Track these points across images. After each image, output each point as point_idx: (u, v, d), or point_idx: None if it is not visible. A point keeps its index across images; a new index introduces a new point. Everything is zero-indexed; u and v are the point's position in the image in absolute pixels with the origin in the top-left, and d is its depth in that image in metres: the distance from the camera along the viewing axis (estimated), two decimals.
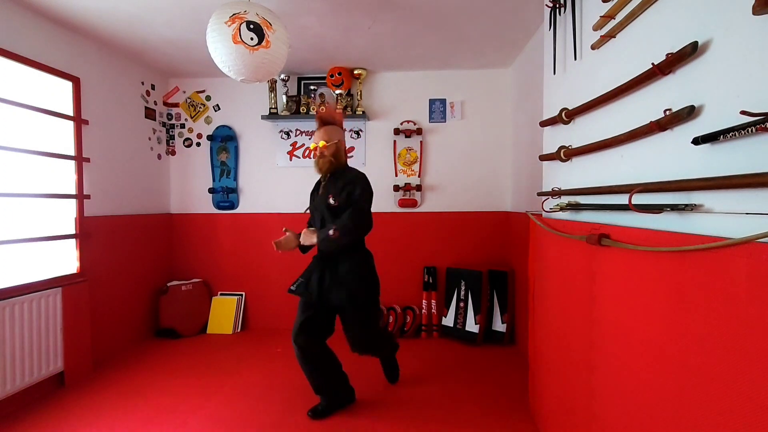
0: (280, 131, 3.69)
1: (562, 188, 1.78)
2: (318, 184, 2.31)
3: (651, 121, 1.12)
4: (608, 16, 1.36)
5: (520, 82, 3.26)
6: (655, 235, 1.09)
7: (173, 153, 3.78)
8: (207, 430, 2.08)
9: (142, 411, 2.26)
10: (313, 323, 2.15)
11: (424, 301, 3.51)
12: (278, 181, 3.71)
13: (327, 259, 2.18)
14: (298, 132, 3.68)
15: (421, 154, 3.62)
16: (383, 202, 3.57)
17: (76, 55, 2.75)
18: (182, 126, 3.77)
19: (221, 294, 3.74)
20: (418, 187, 3.60)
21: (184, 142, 3.78)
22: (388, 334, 2.53)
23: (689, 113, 0.99)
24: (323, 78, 3.59)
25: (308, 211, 2.36)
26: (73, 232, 2.71)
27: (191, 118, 3.76)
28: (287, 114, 3.52)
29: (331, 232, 2.03)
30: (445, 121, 3.61)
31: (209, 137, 3.71)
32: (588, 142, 1.54)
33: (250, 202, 3.75)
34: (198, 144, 3.77)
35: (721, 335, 0.86)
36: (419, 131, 3.57)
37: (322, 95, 3.61)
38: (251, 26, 1.93)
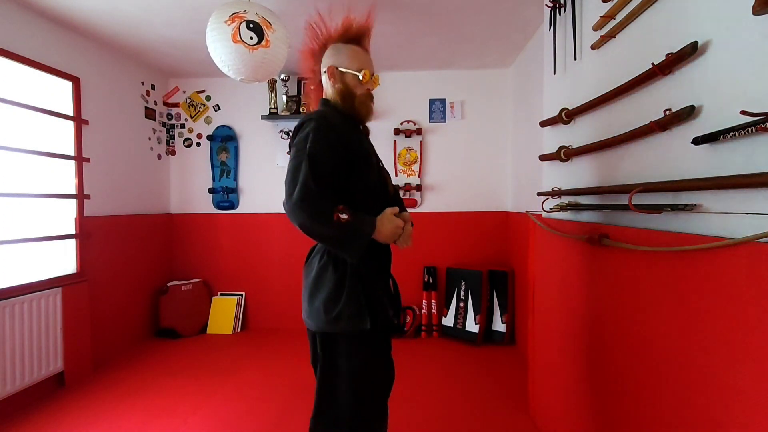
0: (280, 131, 3.68)
1: (562, 188, 1.78)
2: (354, 133, 1.36)
3: (651, 121, 1.12)
4: (608, 16, 1.36)
5: (520, 82, 3.26)
6: (655, 235, 1.09)
7: (173, 153, 3.78)
8: (207, 430, 2.07)
9: (142, 411, 2.26)
10: None
11: (424, 301, 3.51)
12: (278, 181, 3.70)
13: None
14: None
15: (421, 154, 3.62)
16: None
17: (76, 55, 2.74)
18: (182, 126, 3.77)
19: (221, 294, 3.73)
20: (418, 187, 3.60)
21: (184, 142, 3.78)
22: None
23: (689, 113, 0.99)
24: None
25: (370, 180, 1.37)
26: (73, 232, 2.71)
27: (191, 118, 3.76)
28: (287, 114, 3.52)
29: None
30: (445, 121, 3.61)
31: (209, 137, 3.71)
32: (588, 142, 1.54)
33: (250, 202, 3.75)
34: (198, 144, 3.77)
35: (721, 335, 0.86)
36: (419, 131, 3.57)
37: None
38: (251, 25, 1.93)
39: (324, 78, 1.40)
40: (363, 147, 1.34)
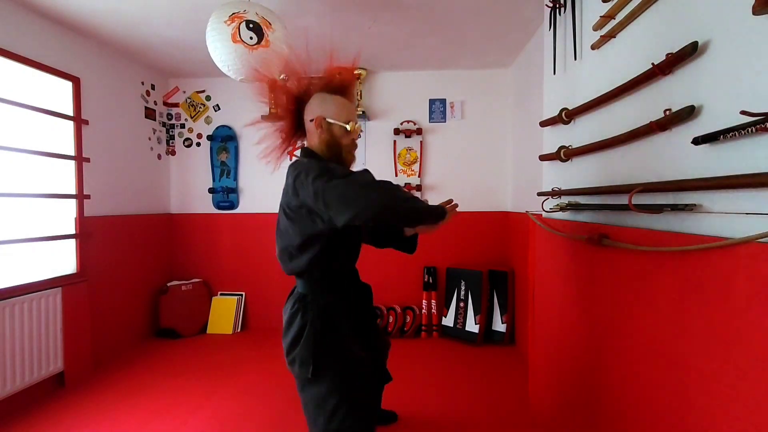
0: None
1: (562, 188, 1.78)
2: None
3: (651, 121, 1.12)
4: (608, 16, 1.36)
5: (520, 82, 3.26)
6: (655, 235, 1.09)
7: (173, 153, 3.78)
8: (207, 430, 2.08)
9: (142, 411, 2.26)
10: None
11: (424, 301, 3.51)
12: (278, 181, 3.68)
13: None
14: None
15: (421, 154, 3.62)
16: None
17: (76, 55, 2.74)
18: (182, 126, 3.77)
19: (221, 294, 3.73)
20: (418, 187, 3.60)
21: (184, 142, 3.78)
22: None
23: (689, 113, 0.99)
24: None
25: None
26: (73, 232, 2.71)
27: (191, 118, 3.76)
28: None
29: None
30: (445, 121, 3.61)
31: (209, 137, 3.71)
32: (588, 142, 1.53)
33: (250, 202, 3.75)
34: (198, 144, 3.77)
35: (722, 335, 0.86)
36: (419, 131, 3.57)
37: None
38: (251, 25, 1.93)
39: (310, 126, 1.45)
40: None
